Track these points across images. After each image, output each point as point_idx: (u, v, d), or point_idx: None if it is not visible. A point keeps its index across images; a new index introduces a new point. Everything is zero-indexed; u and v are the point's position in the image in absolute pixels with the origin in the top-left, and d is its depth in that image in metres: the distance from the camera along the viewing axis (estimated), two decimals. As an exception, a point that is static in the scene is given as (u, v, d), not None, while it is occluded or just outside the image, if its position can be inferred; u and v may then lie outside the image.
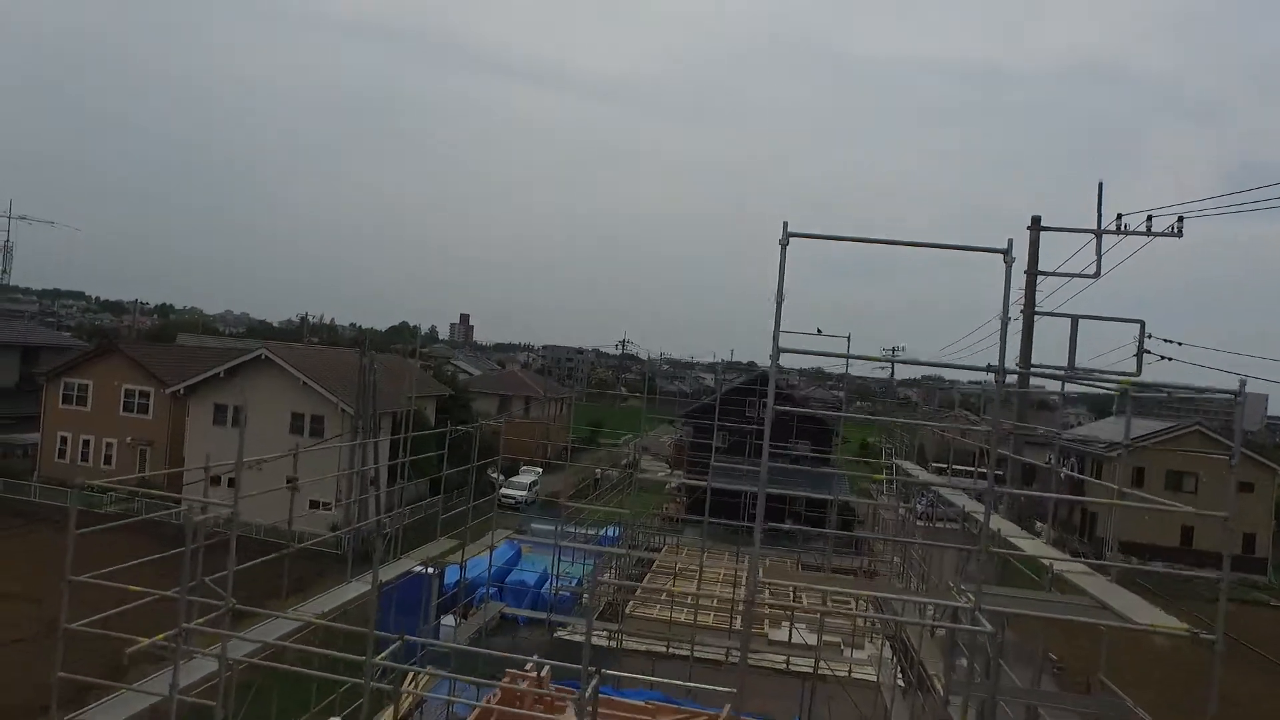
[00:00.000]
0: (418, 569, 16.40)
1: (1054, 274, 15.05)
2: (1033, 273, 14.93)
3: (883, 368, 53.65)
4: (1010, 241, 6.07)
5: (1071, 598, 6.96)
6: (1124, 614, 6.27)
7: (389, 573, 14.45)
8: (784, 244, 6.00)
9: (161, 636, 7.59)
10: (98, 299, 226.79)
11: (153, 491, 29.70)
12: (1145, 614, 6.34)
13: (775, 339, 6.56)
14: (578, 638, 18.56)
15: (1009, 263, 6.11)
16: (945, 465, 28.28)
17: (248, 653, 8.66)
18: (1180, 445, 45.09)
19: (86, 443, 40.09)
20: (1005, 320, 6.28)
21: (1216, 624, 6.57)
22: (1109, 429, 54.66)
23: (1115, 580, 7.93)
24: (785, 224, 6.02)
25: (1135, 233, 14.95)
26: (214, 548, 8.91)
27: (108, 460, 39.76)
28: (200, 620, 7.84)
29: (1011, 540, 8.92)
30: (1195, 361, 15.21)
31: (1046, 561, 7.75)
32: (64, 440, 40.32)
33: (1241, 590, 41.26)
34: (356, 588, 12.45)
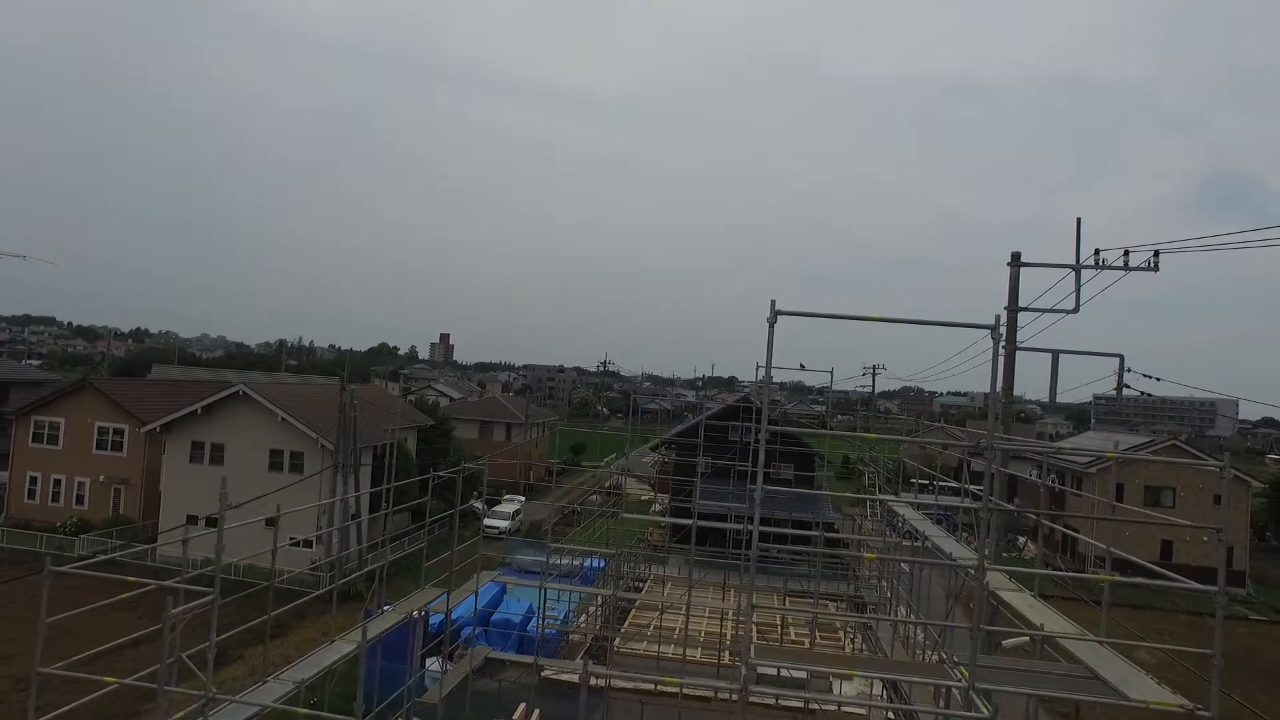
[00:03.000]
0: (409, 616, 16.12)
1: (1033, 309, 15.21)
2: (1013, 309, 15.07)
3: (862, 385, 53.68)
4: (997, 318, 6.07)
5: (1063, 668, 6.93)
6: (1117, 688, 6.25)
7: (374, 627, 14.19)
8: (771, 322, 5.97)
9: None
10: (70, 324, 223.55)
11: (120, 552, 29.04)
12: (1138, 686, 6.33)
13: (764, 414, 6.53)
14: (565, 676, 18.30)
15: (996, 338, 6.12)
16: (929, 481, 28.33)
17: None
18: (1194, 464, 45.60)
19: (58, 482, 39.24)
20: (994, 397, 6.27)
21: (1215, 643, 6.58)
22: (1089, 442, 55.28)
23: (1091, 597, 7.94)
24: (773, 302, 6.00)
25: (1112, 268, 15.15)
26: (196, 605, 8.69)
27: (79, 500, 38.93)
28: (180, 715, 7.61)
29: (1001, 595, 8.93)
30: (1167, 392, 15.38)
31: (1037, 621, 7.75)
32: (34, 480, 39.45)
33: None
34: (339, 647, 12.18)
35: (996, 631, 9.00)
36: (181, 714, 7.55)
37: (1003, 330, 6.12)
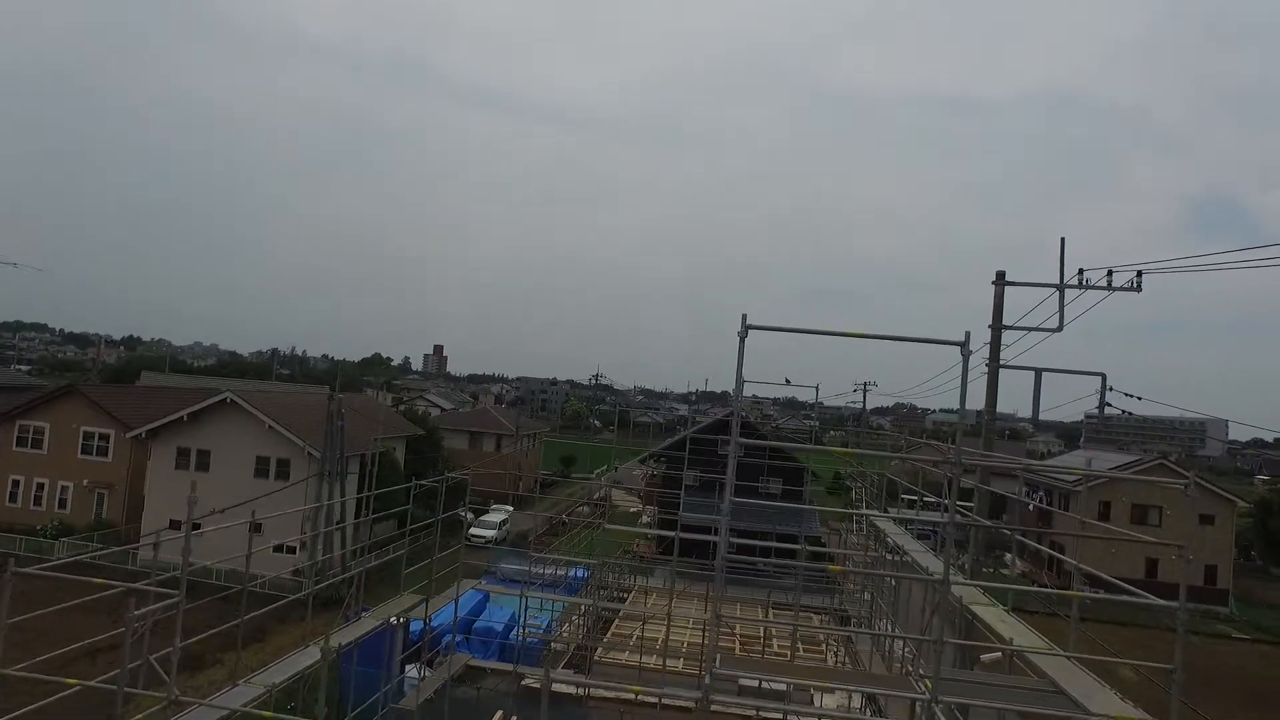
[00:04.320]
0: (385, 622, 16.03)
1: (1017, 328, 15.30)
2: (997, 327, 15.17)
3: (853, 401, 53.79)
4: (967, 335, 6.11)
5: (1030, 682, 6.94)
6: (1081, 703, 6.26)
7: (349, 633, 14.11)
8: (742, 336, 5.99)
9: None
10: (61, 331, 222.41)
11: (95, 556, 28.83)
12: (1101, 702, 6.34)
13: (735, 429, 6.55)
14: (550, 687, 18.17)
15: (966, 355, 6.15)
16: (915, 498, 28.34)
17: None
18: (1159, 482, 45.81)
19: (40, 486, 38.98)
20: (962, 414, 6.30)
21: (1175, 657, 6.59)
22: (1076, 461, 55.40)
23: (1078, 615, 7.95)
24: (744, 316, 6.02)
25: (1095, 287, 15.27)
26: (168, 606, 8.63)
27: (62, 505, 38.66)
28: (139, 718, 7.54)
29: (973, 609, 8.93)
30: (1149, 412, 15.47)
31: (1008, 636, 7.75)
32: (15, 484, 39.16)
33: (1205, 623, 41.78)
34: (314, 652, 12.08)
35: (968, 646, 9.00)
36: (140, 716, 7.48)
37: (972, 349, 6.15)
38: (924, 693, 6.22)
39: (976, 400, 16.59)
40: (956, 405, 6.52)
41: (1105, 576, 7.81)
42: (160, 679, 8.24)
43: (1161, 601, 7.04)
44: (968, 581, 9.30)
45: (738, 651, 21.53)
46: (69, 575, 8.11)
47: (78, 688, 7.39)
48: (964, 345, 6.07)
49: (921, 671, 7.95)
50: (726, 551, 7.42)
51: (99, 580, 7.22)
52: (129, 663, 7.72)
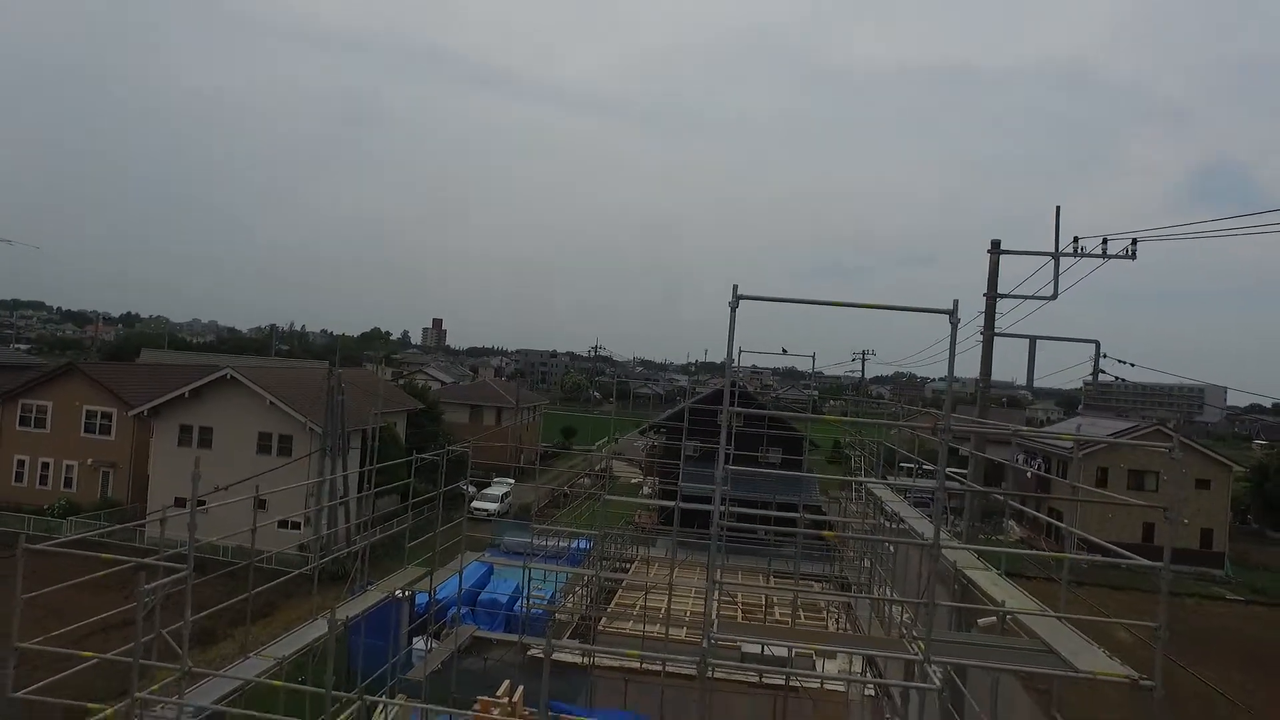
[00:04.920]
0: (390, 595, 16.29)
1: (1011, 296, 15.37)
2: (992, 295, 15.22)
3: (852, 370, 53.89)
4: (955, 302, 6.19)
5: (1020, 642, 7.13)
6: (1069, 659, 6.44)
7: (356, 606, 14.35)
8: (733, 306, 6.06)
9: (111, 711, 7.49)
10: (59, 309, 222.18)
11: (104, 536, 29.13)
12: (1088, 659, 6.52)
13: (726, 398, 6.65)
14: (552, 655, 18.51)
15: (954, 323, 6.23)
16: (913, 465, 28.58)
17: (206, 705, 8.57)
18: (1141, 445, 46.12)
19: (45, 465, 39.24)
20: (951, 381, 6.41)
21: (1159, 615, 6.75)
22: (1072, 427, 55.69)
23: (1071, 578, 8.13)
24: (735, 287, 6.09)
25: (1090, 255, 15.30)
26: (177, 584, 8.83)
27: (68, 484, 38.96)
28: (154, 688, 7.74)
29: (966, 573, 9.12)
30: (1144, 379, 15.59)
31: (1000, 599, 7.94)
32: (21, 464, 39.43)
33: (1200, 585, 42.34)
34: (322, 625, 12.32)
35: (964, 610, 9.20)
36: (156, 685, 7.69)
37: (960, 317, 6.23)
38: (918, 654, 6.41)
39: (973, 368, 16.69)
40: (957, 375, 6.60)
41: (1097, 540, 7.97)
42: (174, 652, 8.44)
43: (1146, 562, 7.20)
44: (959, 545, 9.48)
45: (740, 619, 21.88)
46: (79, 551, 8.27)
47: (94, 660, 7.57)
48: (952, 313, 6.15)
49: (911, 632, 8.14)
50: (725, 520, 7.57)
51: (108, 555, 7.37)
52: (141, 637, 7.90)
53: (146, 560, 7.58)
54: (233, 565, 12.85)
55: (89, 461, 38.92)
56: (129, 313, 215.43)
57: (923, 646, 6.24)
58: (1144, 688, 5.95)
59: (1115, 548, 7.25)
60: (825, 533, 19.33)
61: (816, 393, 31.67)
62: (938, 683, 6.05)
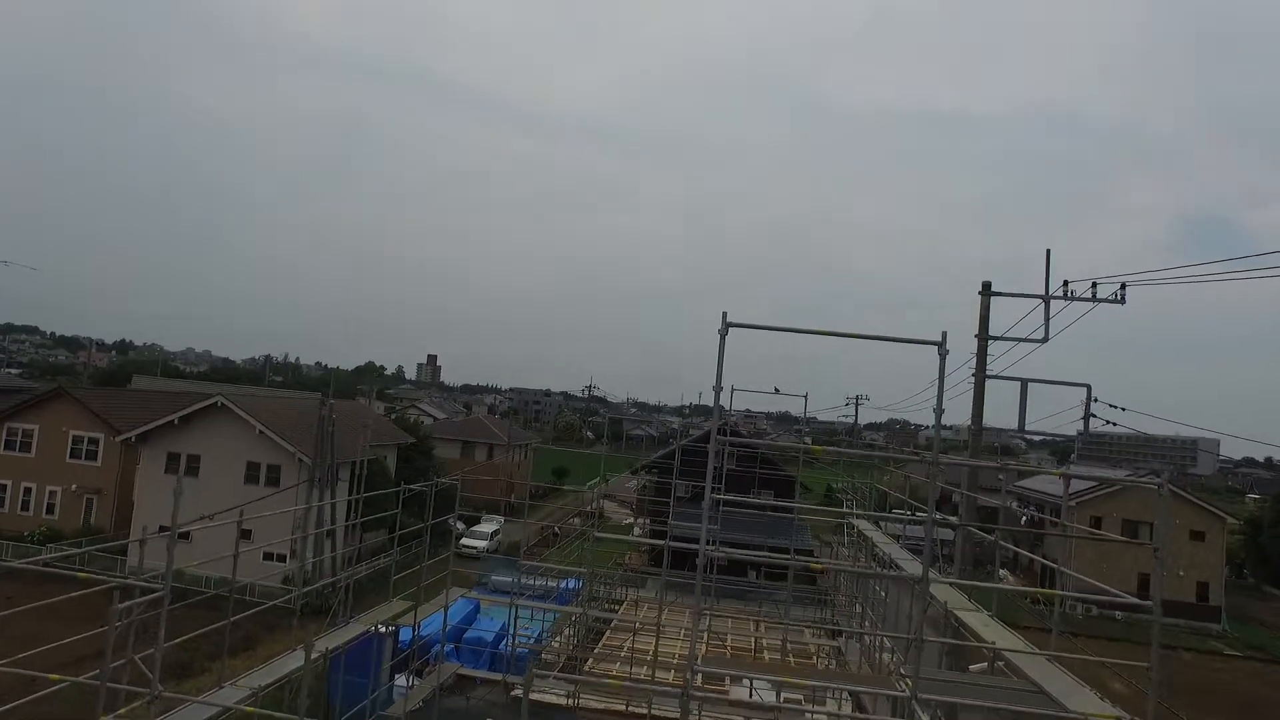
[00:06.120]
0: (369, 630, 15.98)
1: (1003, 339, 15.43)
2: (983, 337, 15.27)
3: (845, 415, 53.86)
4: (944, 334, 6.22)
5: (1011, 682, 6.99)
6: (1060, 700, 6.32)
7: (337, 637, 14.08)
8: (723, 334, 6.08)
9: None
10: (53, 334, 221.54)
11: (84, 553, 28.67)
12: (1080, 700, 6.39)
13: (714, 429, 6.63)
14: (536, 696, 18.13)
15: (943, 355, 6.24)
16: (906, 510, 28.44)
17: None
18: (1133, 492, 46.01)
19: (28, 490, 38.72)
20: (940, 411, 6.39)
21: (1151, 656, 6.63)
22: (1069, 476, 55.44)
23: (1065, 628, 8.00)
24: (725, 314, 6.11)
25: (1080, 299, 15.40)
26: (154, 613, 8.63)
27: (50, 510, 38.40)
28: (124, 711, 7.53)
29: (958, 614, 8.99)
30: (1136, 426, 15.61)
31: (989, 638, 7.81)
32: (3, 489, 38.88)
33: (1197, 639, 41.84)
34: (301, 656, 12.05)
35: (953, 649, 9.05)
36: (124, 710, 7.47)
37: (958, 362, 6.27)
38: (905, 691, 6.28)
39: (963, 413, 16.68)
40: (950, 421, 6.59)
41: (1086, 579, 7.88)
42: (146, 679, 8.23)
43: (1136, 600, 7.11)
44: (948, 580, 9.36)
45: (726, 666, 21.47)
46: (56, 570, 8.10)
47: (61, 685, 7.37)
48: (941, 345, 6.16)
49: (899, 670, 7.98)
50: (715, 560, 7.46)
51: (84, 574, 7.22)
52: (112, 661, 7.71)
53: (126, 579, 7.43)
54: (213, 595, 12.61)
55: (73, 488, 38.43)
56: (123, 340, 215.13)
57: (910, 684, 6.11)
58: (1137, 731, 5.84)
59: (1108, 588, 7.16)
60: (813, 562, 19.16)
61: (810, 439, 31.55)
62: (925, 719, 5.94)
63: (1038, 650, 7.55)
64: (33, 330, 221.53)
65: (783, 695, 17.61)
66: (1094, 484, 47.85)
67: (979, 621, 8.83)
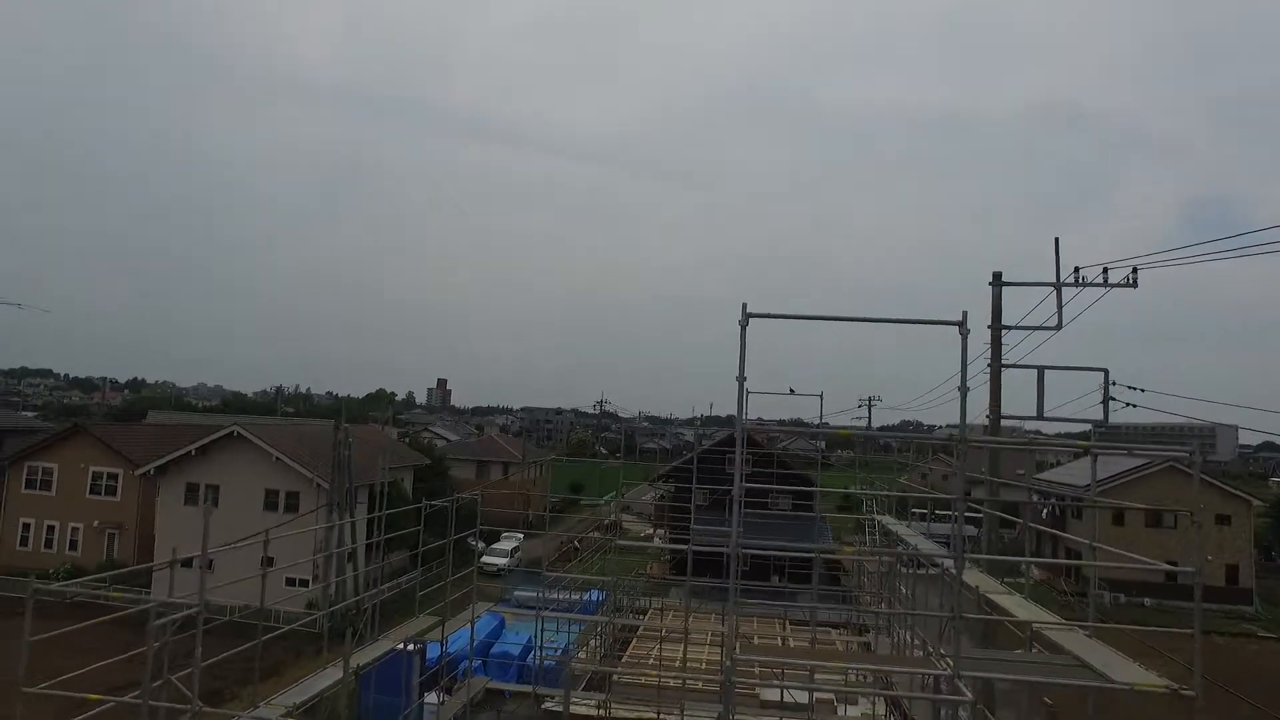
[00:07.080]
0: (398, 646, 15.98)
1: (1017, 328, 15.39)
2: (996, 327, 15.24)
3: (858, 418, 53.69)
4: (965, 314, 6.23)
5: (1051, 656, 6.95)
6: (1103, 672, 6.27)
7: (366, 655, 14.09)
8: (743, 325, 6.10)
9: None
10: (66, 376, 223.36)
11: (113, 581, 28.84)
12: (1124, 671, 6.34)
13: (740, 418, 6.65)
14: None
15: (964, 334, 6.26)
16: (926, 511, 28.32)
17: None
18: (1153, 482, 45.71)
19: (51, 528, 38.97)
20: (964, 390, 6.39)
21: (1195, 622, 6.55)
22: (1083, 464, 55.11)
23: (1096, 617, 7.94)
24: (745, 305, 6.15)
25: (1092, 284, 15.35)
26: (185, 638, 8.69)
27: (73, 546, 38.63)
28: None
29: (990, 597, 8.94)
30: (1156, 407, 15.48)
31: (1025, 618, 7.76)
32: (26, 527, 39.15)
33: (1229, 623, 41.33)
34: (331, 674, 12.08)
35: (988, 627, 9.00)
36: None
37: (970, 327, 6.27)
38: (946, 669, 6.25)
39: (979, 406, 16.58)
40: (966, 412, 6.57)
41: (1121, 551, 7.83)
42: (183, 698, 8.26)
43: (1167, 566, 7.06)
44: (981, 556, 9.30)
45: (756, 667, 21.34)
46: (86, 598, 8.16)
47: (106, 705, 7.41)
48: (962, 324, 6.18)
49: (938, 650, 7.93)
50: (740, 557, 7.46)
51: (117, 593, 7.27)
52: (151, 679, 7.75)
53: (154, 603, 7.48)
54: (241, 619, 12.62)
55: (95, 523, 38.65)
56: (135, 378, 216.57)
57: (951, 662, 6.08)
58: (1185, 697, 5.78)
59: (1143, 559, 7.12)
60: (844, 545, 19.03)
61: (824, 444, 31.47)
62: (969, 695, 5.88)
63: (1076, 624, 7.51)
64: (47, 373, 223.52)
65: (814, 696, 17.50)
66: (1115, 474, 47.46)
67: (1014, 604, 8.78)
